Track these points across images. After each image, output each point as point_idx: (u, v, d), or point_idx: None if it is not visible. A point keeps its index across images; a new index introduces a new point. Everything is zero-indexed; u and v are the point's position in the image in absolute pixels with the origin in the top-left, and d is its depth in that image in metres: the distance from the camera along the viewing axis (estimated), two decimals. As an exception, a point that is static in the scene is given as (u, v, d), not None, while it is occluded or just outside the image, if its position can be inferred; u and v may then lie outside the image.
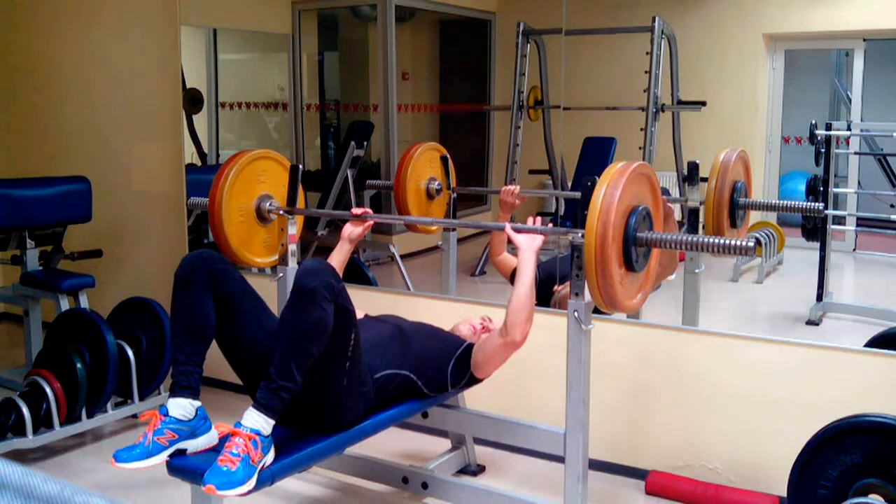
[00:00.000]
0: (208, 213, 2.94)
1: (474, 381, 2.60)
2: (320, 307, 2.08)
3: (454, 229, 3.85)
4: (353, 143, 4.83)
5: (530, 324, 2.42)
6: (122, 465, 2.06)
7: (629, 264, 2.30)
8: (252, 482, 2.00)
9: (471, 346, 2.59)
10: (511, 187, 3.56)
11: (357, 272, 4.05)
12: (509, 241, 2.57)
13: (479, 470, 3.16)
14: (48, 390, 3.17)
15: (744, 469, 2.92)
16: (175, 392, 2.18)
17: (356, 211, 2.85)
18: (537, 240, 2.46)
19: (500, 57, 5.03)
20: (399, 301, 3.60)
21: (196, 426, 2.16)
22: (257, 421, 2.06)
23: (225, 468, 1.98)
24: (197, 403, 2.18)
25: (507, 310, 2.42)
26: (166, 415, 2.12)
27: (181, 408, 2.14)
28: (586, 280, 2.27)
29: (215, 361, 2.41)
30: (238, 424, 2.06)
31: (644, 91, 4.06)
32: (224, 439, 2.11)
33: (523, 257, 2.43)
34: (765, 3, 4.09)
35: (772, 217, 4.15)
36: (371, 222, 2.89)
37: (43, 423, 3.19)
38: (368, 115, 5.39)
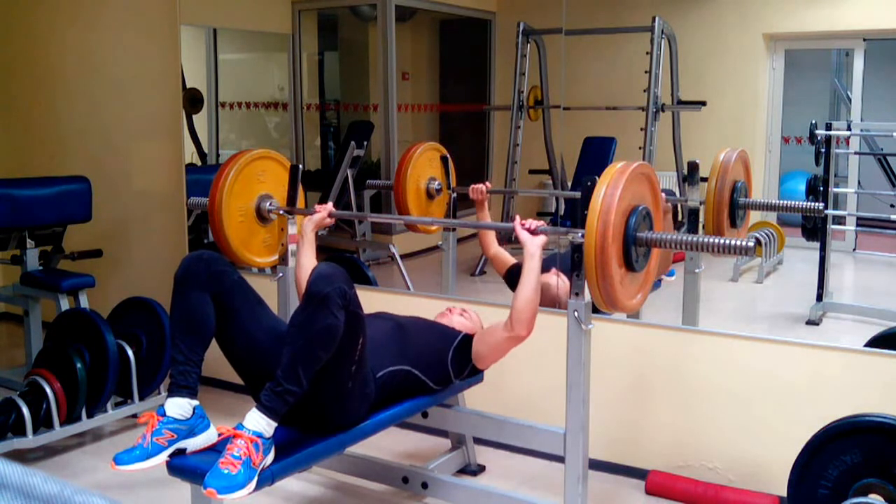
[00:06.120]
0: (208, 213, 2.94)
1: (476, 371, 2.63)
2: (332, 314, 2.08)
3: (454, 229, 3.85)
4: (353, 142, 4.83)
5: (535, 319, 2.44)
6: (123, 468, 2.06)
7: (629, 264, 2.30)
8: (252, 485, 2.01)
9: (467, 336, 2.60)
10: (479, 186, 3.66)
11: (357, 272, 4.05)
12: (510, 241, 2.59)
13: (479, 470, 3.16)
14: (48, 390, 3.17)
15: (744, 469, 2.92)
16: (173, 392, 2.18)
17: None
18: (540, 238, 2.46)
19: (500, 57, 5.02)
20: (399, 301, 3.60)
21: (194, 425, 2.16)
22: (259, 423, 2.06)
23: (226, 471, 1.98)
24: (195, 402, 2.18)
25: (513, 305, 2.43)
26: (164, 415, 2.12)
27: (179, 407, 2.14)
28: (586, 280, 2.27)
29: (215, 361, 2.41)
30: (240, 426, 2.06)
31: (644, 91, 4.06)
32: (226, 440, 2.11)
33: (529, 255, 2.43)
34: (765, 3, 4.09)
35: (772, 217, 4.15)
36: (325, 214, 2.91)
37: (43, 423, 3.19)
38: (368, 115, 5.38)
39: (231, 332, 2.33)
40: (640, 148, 4.05)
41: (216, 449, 2.14)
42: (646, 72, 4.05)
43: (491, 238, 3.44)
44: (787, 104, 4.08)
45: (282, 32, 5.22)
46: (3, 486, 0.54)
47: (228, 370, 2.41)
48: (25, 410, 3.11)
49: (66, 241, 4.03)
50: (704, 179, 3.19)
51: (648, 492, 2.99)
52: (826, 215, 3.74)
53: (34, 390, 3.19)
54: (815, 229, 3.88)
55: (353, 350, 2.23)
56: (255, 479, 2.01)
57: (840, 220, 3.97)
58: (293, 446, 2.20)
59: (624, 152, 4.28)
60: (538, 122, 4.75)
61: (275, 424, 2.08)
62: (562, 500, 2.50)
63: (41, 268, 3.92)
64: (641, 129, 4.06)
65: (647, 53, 4.05)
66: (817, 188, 3.82)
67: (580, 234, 2.25)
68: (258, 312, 2.38)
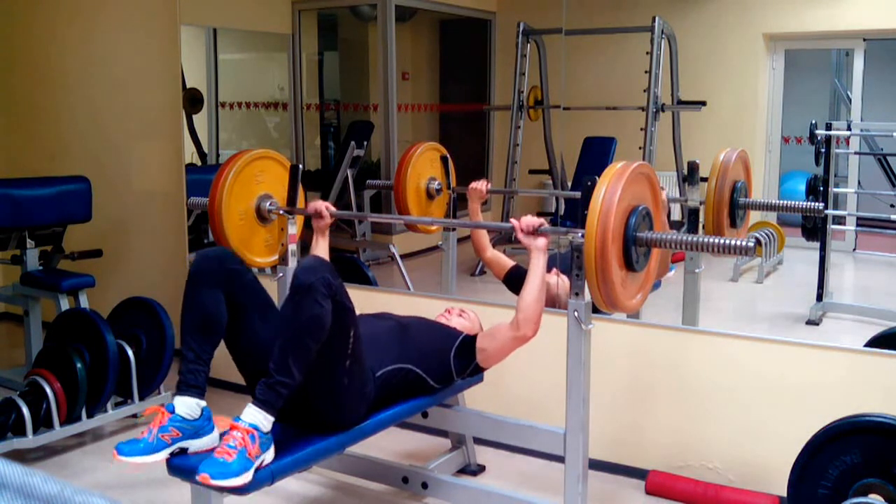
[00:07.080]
0: (208, 213, 2.94)
1: (477, 370, 2.62)
2: (317, 303, 2.09)
3: (454, 229, 3.85)
4: (353, 142, 4.83)
5: (541, 319, 2.44)
6: (125, 459, 2.05)
7: (629, 264, 2.30)
8: (248, 475, 1.99)
9: (468, 336, 2.60)
10: (478, 184, 3.59)
11: (357, 272, 4.05)
12: (510, 241, 2.58)
13: (479, 470, 3.16)
14: (48, 390, 3.17)
15: (744, 469, 2.92)
16: (182, 390, 2.17)
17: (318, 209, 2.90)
18: (543, 238, 2.45)
19: (500, 57, 5.03)
20: (399, 301, 3.60)
21: (200, 426, 2.16)
22: (255, 416, 2.06)
23: (221, 459, 1.97)
24: (203, 404, 2.18)
25: (518, 306, 2.43)
26: (172, 412, 2.12)
27: (188, 407, 2.14)
28: (586, 280, 2.27)
29: (216, 361, 2.40)
30: (237, 419, 2.07)
31: (644, 91, 4.06)
32: (223, 434, 2.11)
33: (534, 255, 2.43)
34: (765, 3, 4.09)
35: (772, 217, 4.15)
36: (326, 212, 2.90)
37: (43, 422, 3.19)
38: (368, 115, 5.39)
39: (239, 330, 2.33)
40: (640, 148, 4.05)
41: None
42: (646, 72, 4.06)
43: (486, 240, 3.36)
44: (787, 104, 4.08)
45: (282, 32, 5.22)
46: (3, 486, 0.54)
47: (228, 370, 2.41)
48: (25, 410, 3.11)
49: (66, 241, 4.03)
50: (704, 179, 3.19)
51: (648, 492, 2.99)
52: (826, 215, 3.75)
53: (34, 390, 3.19)
54: (815, 229, 3.88)
55: (345, 344, 2.23)
56: (252, 471, 2.00)
57: (840, 220, 3.97)
58: (293, 446, 2.20)
59: (624, 152, 4.28)
60: (538, 122, 4.75)
61: (271, 418, 2.08)
62: (562, 500, 2.50)
63: (41, 268, 3.92)
64: (641, 129, 4.07)
65: (647, 53, 4.05)
66: (817, 188, 3.83)
67: (580, 235, 2.25)
68: (268, 313, 2.38)
